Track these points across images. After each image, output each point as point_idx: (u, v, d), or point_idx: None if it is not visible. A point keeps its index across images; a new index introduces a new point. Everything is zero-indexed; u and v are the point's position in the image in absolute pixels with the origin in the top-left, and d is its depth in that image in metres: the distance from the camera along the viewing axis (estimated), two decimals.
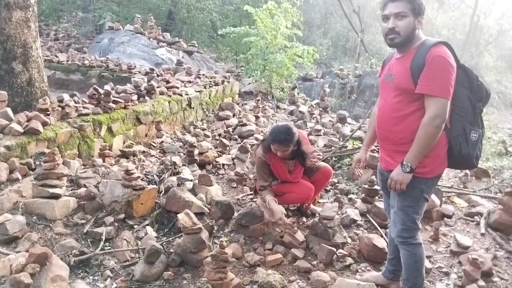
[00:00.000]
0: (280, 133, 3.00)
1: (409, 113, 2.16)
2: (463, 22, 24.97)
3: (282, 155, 3.10)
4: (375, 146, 4.41)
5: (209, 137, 5.79)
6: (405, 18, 2.10)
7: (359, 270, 2.96)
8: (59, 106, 3.99)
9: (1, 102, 3.74)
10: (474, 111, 2.18)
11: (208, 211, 3.40)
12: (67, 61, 7.87)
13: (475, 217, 3.94)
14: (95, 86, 4.58)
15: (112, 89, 4.87)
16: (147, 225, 3.13)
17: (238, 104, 8.13)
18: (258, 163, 3.25)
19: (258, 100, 8.06)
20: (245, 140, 5.45)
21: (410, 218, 2.30)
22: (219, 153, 5.01)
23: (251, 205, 3.65)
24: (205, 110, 6.92)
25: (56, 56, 8.02)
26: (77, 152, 3.92)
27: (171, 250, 2.86)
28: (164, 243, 2.95)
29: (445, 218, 3.90)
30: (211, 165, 4.63)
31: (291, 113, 8.34)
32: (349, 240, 3.30)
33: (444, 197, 4.25)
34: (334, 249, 3.02)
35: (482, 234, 3.61)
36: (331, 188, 4.35)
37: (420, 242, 2.38)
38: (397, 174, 2.22)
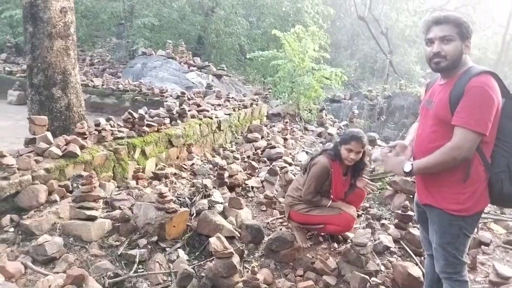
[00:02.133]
0: (357, 132, 3.11)
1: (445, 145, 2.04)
2: (494, 41, 24.46)
3: (355, 157, 3.08)
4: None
5: (238, 159, 5.84)
6: (451, 42, 2.01)
7: None
8: (95, 129, 4.14)
9: (42, 127, 3.92)
10: None
11: (239, 235, 3.40)
12: (102, 85, 8.20)
13: None
14: (129, 110, 4.73)
15: (146, 113, 5.01)
16: (179, 248, 3.16)
17: (266, 126, 8.19)
18: (318, 171, 3.17)
19: (286, 122, 8.09)
20: (274, 163, 5.46)
21: (451, 254, 2.18)
22: (248, 175, 5.04)
23: (281, 229, 3.63)
24: (234, 132, 7.00)
25: (92, 81, 8.37)
26: (112, 175, 4.04)
27: (202, 274, 2.87)
28: (195, 266, 2.96)
29: (482, 246, 3.75)
30: (241, 187, 4.65)
31: (319, 135, 8.32)
32: (382, 268, 3.22)
33: (481, 223, 4.09)
34: (367, 277, 2.95)
35: None
36: (362, 213, 4.28)
37: (467, 280, 2.25)
38: (395, 164, 2.20)
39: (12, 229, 3.02)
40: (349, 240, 3.41)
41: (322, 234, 3.59)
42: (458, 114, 1.97)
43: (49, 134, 3.78)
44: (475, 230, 3.70)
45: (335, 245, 3.52)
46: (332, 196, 3.26)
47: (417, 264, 3.22)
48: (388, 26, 17.81)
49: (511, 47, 23.53)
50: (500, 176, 2.02)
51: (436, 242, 2.22)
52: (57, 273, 2.60)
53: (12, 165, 3.18)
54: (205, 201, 3.70)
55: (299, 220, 3.39)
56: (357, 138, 3.05)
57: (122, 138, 4.32)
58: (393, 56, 15.65)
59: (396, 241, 3.59)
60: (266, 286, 2.87)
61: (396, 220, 3.74)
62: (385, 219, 4.16)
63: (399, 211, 3.69)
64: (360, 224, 4.06)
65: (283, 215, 4.06)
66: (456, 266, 2.21)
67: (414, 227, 3.68)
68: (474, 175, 2.04)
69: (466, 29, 2.02)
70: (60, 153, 3.63)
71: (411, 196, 4.28)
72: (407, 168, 2.12)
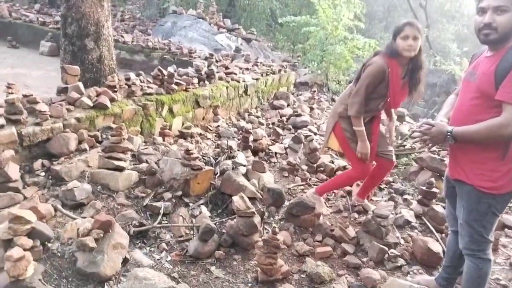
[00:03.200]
0: (409, 19, 2.93)
1: (486, 120, 1.98)
2: None
3: (413, 43, 2.80)
4: (437, 148, 4.23)
5: (263, 125, 5.83)
6: (505, 13, 1.90)
7: (411, 272, 2.88)
8: (126, 84, 4.17)
9: (74, 77, 3.97)
10: None
11: (260, 197, 3.44)
12: (132, 42, 8.18)
13: None
14: (159, 67, 4.73)
15: (175, 71, 5.01)
16: (201, 204, 3.23)
17: (293, 94, 8.09)
18: (373, 70, 2.92)
19: (314, 91, 7.97)
20: (299, 131, 5.43)
21: (477, 231, 2.15)
22: (272, 141, 5.03)
23: (302, 195, 3.64)
24: (260, 98, 6.95)
25: (122, 37, 8.36)
26: (140, 129, 4.10)
27: (223, 231, 2.93)
28: (217, 223, 3.03)
29: (506, 229, 3.69)
30: (264, 152, 4.66)
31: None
32: (402, 241, 3.21)
33: (509, 206, 4.01)
34: (386, 248, 2.96)
35: None
36: (385, 187, 4.24)
37: (490, 258, 2.22)
38: (439, 129, 2.08)
39: (43, 174, 3.14)
40: (370, 212, 3.41)
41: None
42: (503, 89, 1.89)
43: (80, 84, 3.84)
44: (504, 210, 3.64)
45: (355, 215, 3.53)
46: (389, 101, 3.03)
47: (437, 240, 3.20)
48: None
49: None
50: None
51: (463, 218, 2.19)
52: (85, 217, 2.71)
53: (45, 111, 3.26)
54: (229, 162, 3.73)
55: (339, 139, 3.24)
56: (411, 23, 2.84)
57: (151, 94, 4.36)
58: (430, 31, 14.97)
59: (417, 216, 3.57)
60: (285, 247, 2.92)
61: (420, 196, 3.70)
62: (408, 194, 4.12)
63: (424, 187, 3.64)
64: (382, 197, 4.04)
65: (304, 182, 4.08)
66: (481, 243, 2.19)
67: (437, 204, 3.63)
68: (510, 154, 1.98)
69: None
70: (91, 104, 3.69)
71: (437, 174, 4.20)
72: (450, 139, 2.05)
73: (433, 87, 10.45)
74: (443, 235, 3.34)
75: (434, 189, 3.58)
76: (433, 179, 3.67)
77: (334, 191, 3.84)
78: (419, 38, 2.85)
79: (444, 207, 3.17)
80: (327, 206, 3.60)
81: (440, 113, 2.43)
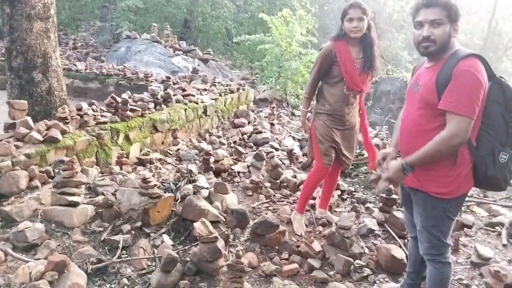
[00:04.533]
0: (354, 1, 2.97)
1: (430, 129, 2.05)
2: (481, 27, 24.61)
3: (357, 25, 2.90)
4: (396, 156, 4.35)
5: (224, 144, 5.81)
6: (441, 25, 1.98)
7: (377, 281, 2.91)
8: (77, 114, 4.05)
9: (22, 111, 3.81)
10: (507, 130, 2.03)
11: (224, 219, 3.39)
12: (85, 69, 8.03)
13: (496, 227, 3.85)
14: (112, 94, 4.64)
15: (130, 97, 4.92)
16: (163, 233, 3.14)
17: (253, 111, 8.14)
18: (320, 54, 3.09)
19: (273, 107, 8.06)
20: (260, 148, 5.45)
21: (435, 236, 2.20)
22: (234, 160, 5.02)
23: (266, 213, 3.63)
24: (220, 117, 6.95)
25: (75, 65, 8.20)
26: (95, 160, 3.98)
27: (187, 259, 2.86)
28: (180, 251, 2.95)
29: (465, 228, 3.82)
30: (227, 172, 4.63)
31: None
32: (366, 251, 3.25)
33: (464, 206, 4.16)
34: (352, 260, 2.98)
35: (504, 245, 3.52)
36: (347, 197, 4.31)
37: (450, 261, 2.28)
38: (394, 170, 2.11)
39: None
40: (334, 224, 3.44)
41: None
42: (445, 98, 1.95)
43: (29, 119, 3.69)
44: (459, 213, 3.77)
45: (320, 228, 3.55)
46: (347, 82, 3.05)
47: (400, 247, 3.26)
48: (376, 10, 17.72)
49: (497, 32, 23.72)
50: (484, 159, 2.03)
51: (421, 224, 2.24)
52: (39, 259, 2.57)
53: None
54: (190, 186, 3.67)
55: (311, 135, 3.38)
56: (355, 4, 2.92)
57: (105, 123, 4.25)
58: (380, 41, 15.60)
59: (380, 224, 3.63)
60: (251, 269, 2.88)
61: (381, 204, 3.78)
62: (370, 202, 4.20)
63: (384, 195, 3.72)
64: (345, 208, 4.09)
65: (268, 200, 4.07)
66: (440, 248, 2.24)
67: (398, 210, 3.72)
68: (459, 158, 2.05)
69: (455, 12, 1.99)
70: (41, 138, 3.55)
71: None
72: (408, 171, 2.08)
73: (387, 94, 10.83)
74: (406, 240, 3.41)
75: (394, 196, 3.67)
76: (391, 186, 3.76)
77: (311, 201, 3.84)
78: (365, 19, 2.95)
79: None
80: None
81: (391, 142, 2.53)
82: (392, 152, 2.51)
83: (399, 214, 3.59)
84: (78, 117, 4.04)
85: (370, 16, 3.02)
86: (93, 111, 4.27)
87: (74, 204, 3.02)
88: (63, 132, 3.72)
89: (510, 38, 24.72)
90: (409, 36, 20.48)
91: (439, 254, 2.25)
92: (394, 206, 3.72)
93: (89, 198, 3.33)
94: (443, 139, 1.97)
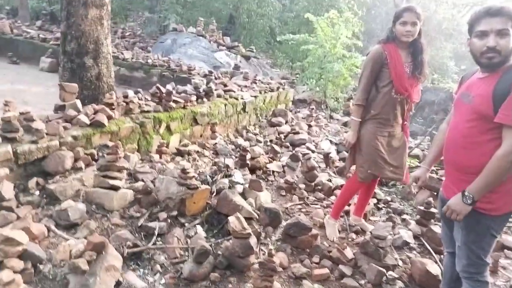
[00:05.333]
0: (409, 5, 2.96)
1: (483, 142, 1.98)
2: None
3: (411, 29, 2.86)
4: (436, 167, 4.22)
5: (261, 142, 5.82)
6: (506, 36, 1.90)
7: None
8: (123, 101, 4.17)
9: (72, 94, 3.96)
10: None
11: (257, 217, 3.40)
12: (132, 58, 8.25)
13: None
14: (158, 85, 4.74)
15: (173, 88, 5.02)
16: (197, 224, 3.18)
17: (291, 111, 8.11)
18: (369, 56, 3.03)
19: (312, 109, 7.99)
20: (296, 149, 5.42)
21: (475, 254, 2.12)
22: (270, 159, 5.02)
23: (299, 215, 3.61)
24: (258, 115, 6.96)
25: (122, 53, 8.43)
26: (137, 147, 4.08)
27: (219, 252, 2.89)
28: (212, 244, 2.98)
29: (506, 250, 3.65)
30: (262, 170, 4.64)
31: (345, 124, 8.18)
32: (400, 263, 3.17)
33: (507, 226, 3.97)
34: (384, 271, 2.91)
35: None
36: (383, 206, 4.21)
37: (487, 281, 2.19)
38: (455, 204, 2.04)
39: (37, 192, 3.09)
40: (368, 232, 3.37)
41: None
42: (504, 111, 1.87)
43: (78, 102, 3.83)
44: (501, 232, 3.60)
45: (353, 235, 3.49)
46: (395, 85, 2.98)
47: (436, 262, 3.16)
48: (425, 17, 17.20)
49: None
50: None
51: (461, 240, 2.16)
52: (78, 238, 2.67)
53: (41, 129, 3.24)
54: (226, 180, 3.71)
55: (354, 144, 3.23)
56: (410, 8, 2.89)
57: (148, 111, 4.35)
58: (428, 48, 15.10)
59: (416, 237, 3.53)
60: (281, 269, 2.87)
61: (418, 216, 3.67)
62: (407, 214, 4.08)
63: (422, 207, 3.60)
64: (380, 217, 4.00)
65: (302, 202, 4.04)
66: (479, 266, 2.16)
67: (436, 224, 3.60)
68: (508, 174, 1.96)
69: None
70: (88, 122, 3.67)
71: (435, 193, 4.17)
72: (468, 201, 2.00)
73: (431, 105, 10.50)
74: (442, 256, 3.29)
75: (433, 209, 3.55)
76: (431, 199, 3.65)
77: (346, 207, 3.77)
78: (418, 24, 2.89)
79: None
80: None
81: (426, 158, 2.51)
82: (424, 175, 2.49)
83: (437, 228, 3.47)
84: (124, 104, 4.15)
85: (422, 22, 2.95)
86: (138, 99, 4.38)
87: (115, 188, 3.12)
88: (109, 118, 3.84)
89: None
90: (457, 46, 19.73)
91: (477, 273, 2.17)
92: (432, 220, 3.60)
93: (129, 183, 3.42)
94: (501, 156, 1.89)
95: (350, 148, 3.27)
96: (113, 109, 3.98)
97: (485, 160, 1.95)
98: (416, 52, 3.00)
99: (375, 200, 4.25)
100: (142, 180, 3.45)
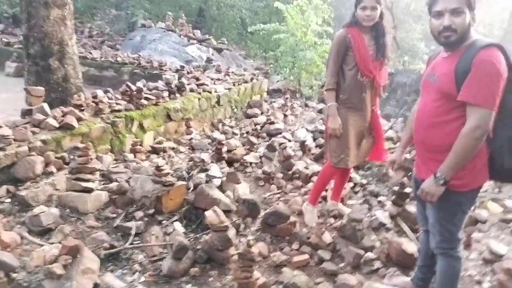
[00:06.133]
0: None
1: (449, 120, 2.00)
2: (501, 18, 23.89)
3: (370, 13, 2.92)
4: (410, 148, 4.30)
5: (237, 134, 5.81)
6: (461, 14, 1.92)
7: (387, 275, 2.89)
8: (93, 102, 4.10)
9: (38, 98, 3.87)
10: None
11: (236, 209, 3.41)
12: (101, 58, 8.09)
13: (510, 223, 3.78)
14: (127, 82, 4.67)
15: (144, 85, 4.96)
16: (175, 220, 3.18)
17: (266, 101, 8.11)
18: (334, 41, 3.09)
19: (287, 98, 8.02)
20: (273, 139, 5.43)
21: (447, 230, 2.17)
22: (247, 150, 5.02)
23: (278, 204, 3.63)
24: (233, 107, 6.94)
25: (90, 53, 8.26)
26: (110, 147, 4.03)
27: (198, 247, 2.89)
28: (191, 239, 2.98)
29: (478, 224, 3.76)
30: (239, 162, 4.64)
31: (320, 111, 8.23)
32: (377, 244, 3.22)
33: (478, 201, 4.09)
34: (362, 252, 2.96)
35: None
36: (360, 189, 4.27)
37: (460, 256, 2.25)
38: (428, 186, 2.06)
39: (8, 200, 3.04)
40: (345, 216, 3.42)
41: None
42: (465, 89, 1.90)
43: (45, 105, 3.75)
44: (472, 207, 3.71)
45: (332, 220, 3.54)
46: (360, 68, 3.03)
47: (412, 241, 3.23)
48: (393, 0, 17.37)
49: None
50: (501, 150, 1.99)
51: (433, 217, 2.21)
52: (53, 243, 2.63)
53: (8, 136, 3.16)
54: (202, 175, 3.70)
55: (325, 129, 3.29)
56: None
57: (119, 110, 4.29)
58: (397, 31, 15.29)
59: (392, 217, 3.59)
60: (262, 259, 2.90)
61: (393, 197, 3.74)
62: (383, 195, 4.16)
63: (397, 188, 3.68)
64: (357, 200, 4.06)
65: (280, 191, 4.07)
66: (452, 242, 2.21)
67: (411, 204, 3.67)
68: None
69: (474, 0, 1.94)
70: (57, 125, 3.60)
71: (409, 173, 4.26)
72: (439, 181, 2.01)
73: (403, 86, 10.63)
74: (418, 234, 3.38)
75: (407, 189, 3.62)
76: (405, 179, 3.72)
77: (323, 193, 3.80)
78: (378, 8, 2.96)
79: None
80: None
81: (401, 141, 2.58)
82: (399, 158, 2.54)
83: (412, 208, 3.54)
84: (94, 105, 4.08)
85: (383, 6, 3.00)
86: (108, 98, 4.31)
87: (89, 190, 3.08)
88: (79, 119, 3.77)
89: None
90: (426, 27, 20.03)
91: (451, 248, 2.23)
92: (407, 200, 3.68)
93: (103, 184, 3.38)
94: (466, 133, 1.92)
95: (325, 135, 3.30)
96: (82, 110, 3.91)
97: (452, 139, 1.97)
98: (378, 35, 3.06)
99: (351, 184, 4.31)
100: (116, 180, 3.41)
